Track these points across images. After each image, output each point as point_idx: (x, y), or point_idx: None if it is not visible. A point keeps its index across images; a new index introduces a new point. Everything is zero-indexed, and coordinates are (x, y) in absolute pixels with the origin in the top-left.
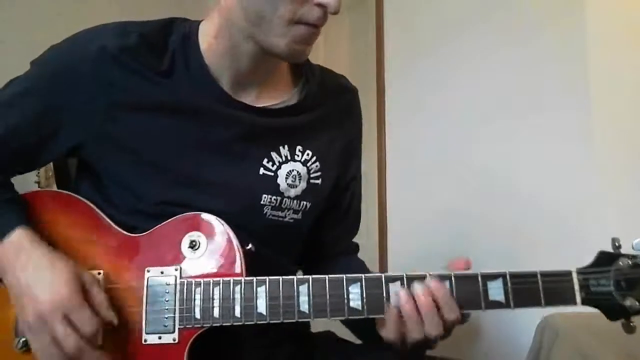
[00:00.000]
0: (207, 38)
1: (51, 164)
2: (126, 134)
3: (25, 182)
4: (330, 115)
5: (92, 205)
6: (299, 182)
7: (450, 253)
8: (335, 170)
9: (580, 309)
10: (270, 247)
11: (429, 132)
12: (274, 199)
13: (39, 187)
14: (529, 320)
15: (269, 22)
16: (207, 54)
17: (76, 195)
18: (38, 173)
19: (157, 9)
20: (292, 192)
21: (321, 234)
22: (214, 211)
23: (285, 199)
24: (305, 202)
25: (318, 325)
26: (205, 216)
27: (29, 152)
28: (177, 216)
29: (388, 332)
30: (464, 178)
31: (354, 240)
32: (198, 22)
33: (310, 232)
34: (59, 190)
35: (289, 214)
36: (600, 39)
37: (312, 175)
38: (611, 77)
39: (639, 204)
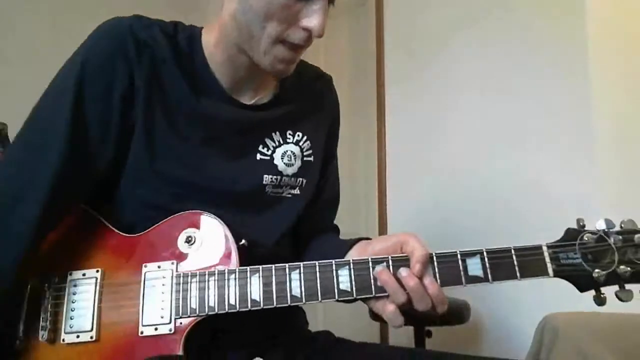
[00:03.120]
0: (208, 46)
1: None
2: (138, 125)
3: None
4: (311, 101)
5: (88, 208)
6: (295, 161)
7: (451, 247)
8: (323, 148)
9: (579, 309)
10: (263, 231)
11: (429, 131)
12: (275, 179)
13: None
14: (529, 320)
15: (257, 40)
16: (209, 61)
17: None
18: None
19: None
20: (290, 171)
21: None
22: (224, 194)
23: (284, 177)
24: (301, 179)
25: (317, 325)
26: (201, 214)
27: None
28: (174, 215)
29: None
30: (465, 176)
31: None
32: (200, 29)
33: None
34: None
35: (286, 190)
36: (600, 33)
37: (305, 153)
38: (611, 73)
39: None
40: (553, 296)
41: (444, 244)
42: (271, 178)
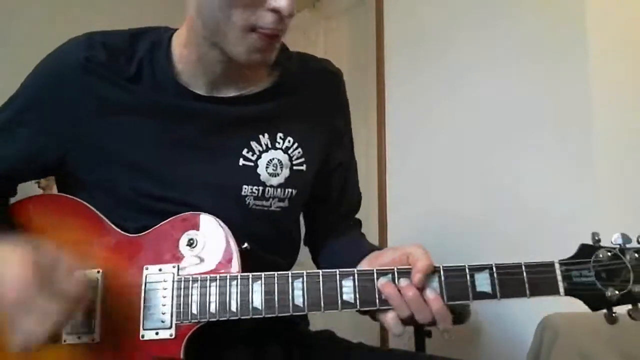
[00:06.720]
0: (179, 47)
1: None
2: (105, 140)
3: (26, 183)
4: (312, 99)
5: (90, 206)
6: (281, 170)
7: (450, 250)
8: (320, 155)
9: (579, 309)
10: (257, 242)
11: (429, 129)
12: (256, 189)
13: (39, 187)
14: (529, 320)
15: (224, 32)
16: (181, 63)
17: (74, 197)
18: None
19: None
20: (275, 181)
21: (317, 222)
22: (199, 206)
23: (267, 189)
24: (289, 190)
25: (317, 324)
26: (204, 216)
27: (19, 172)
28: (176, 216)
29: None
30: (464, 175)
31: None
32: (173, 31)
33: (305, 219)
34: (57, 194)
35: (274, 203)
36: (601, 33)
37: (294, 162)
38: (613, 78)
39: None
40: (553, 296)
41: (445, 246)
42: (252, 189)
